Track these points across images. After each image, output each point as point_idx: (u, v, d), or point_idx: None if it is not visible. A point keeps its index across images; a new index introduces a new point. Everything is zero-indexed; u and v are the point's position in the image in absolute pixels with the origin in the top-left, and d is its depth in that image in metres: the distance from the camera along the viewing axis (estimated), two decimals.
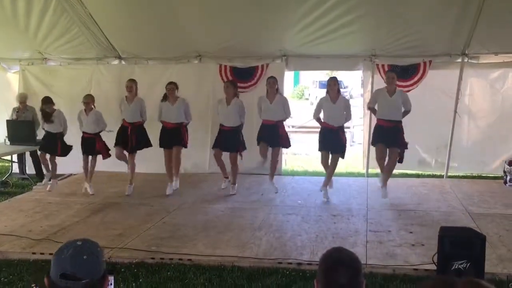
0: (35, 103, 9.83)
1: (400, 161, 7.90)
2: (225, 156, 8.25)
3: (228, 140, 8.08)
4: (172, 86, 8.18)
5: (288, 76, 11.18)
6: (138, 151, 8.41)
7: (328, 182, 8.01)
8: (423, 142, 9.21)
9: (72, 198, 8.24)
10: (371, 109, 8.17)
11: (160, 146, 8.35)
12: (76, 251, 1.96)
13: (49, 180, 8.63)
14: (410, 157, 8.53)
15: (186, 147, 8.40)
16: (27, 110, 9.68)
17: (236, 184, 8.37)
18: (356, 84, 34.68)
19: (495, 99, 9.15)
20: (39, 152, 8.81)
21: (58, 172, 8.75)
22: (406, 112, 7.86)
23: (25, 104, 9.71)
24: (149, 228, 6.68)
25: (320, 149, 7.99)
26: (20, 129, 9.42)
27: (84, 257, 1.95)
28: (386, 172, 7.97)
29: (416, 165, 9.38)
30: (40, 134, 9.21)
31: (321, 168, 8.34)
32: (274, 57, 9.59)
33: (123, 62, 10.21)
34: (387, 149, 7.86)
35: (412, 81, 9.03)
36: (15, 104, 10.28)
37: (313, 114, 8.09)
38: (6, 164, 10.57)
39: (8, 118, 9.66)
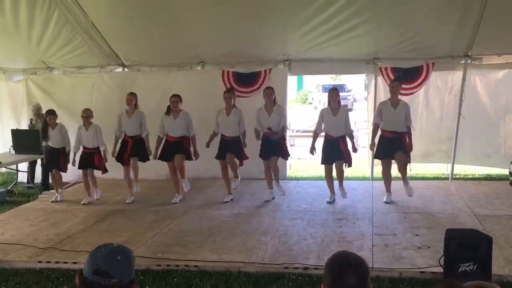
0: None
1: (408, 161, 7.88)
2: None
3: (229, 148, 8.07)
4: (176, 99, 8.09)
5: (291, 80, 11.18)
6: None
7: (341, 183, 8.03)
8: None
9: (78, 206, 8.26)
10: (376, 125, 7.99)
11: (160, 159, 8.25)
12: (112, 250, 2.08)
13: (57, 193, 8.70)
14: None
15: (190, 158, 8.30)
16: (42, 120, 9.69)
17: (239, 177, 8.37)
18: (359, 88, 34.72)
19: (499, 99, 9.11)
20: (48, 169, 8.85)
21: (63, 180, 8.79)
22: (407, 127, 7.73)
23: (39, 115, 9.73)
24: (155, 235, 6.68)
25: (322, 162, 8.01)
26: (25, 138, 9.46)
27: (118, 257, 2.06)
28: (401, 173, 7.94)
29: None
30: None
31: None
32: (277, 62, 9.60)
33: (126, 70, 10.24)
34: (393, 158, 7.90)
35: (416, 83, 9.02)
36: (20, 113, 10.34)
37: (316, 128, 8.10)
38: (12, 173, 10.57)
39: (13, 128, 9.69)
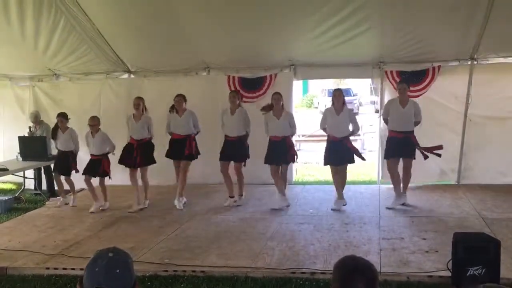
0: (46, 119, 9.93)
1: (426, 157, 7.85)
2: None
3: (233, 150, 8.10)
4: (180, 99, 8.23)
5: (297, 85, 11.18)
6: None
7: (340, 195, 7.98)
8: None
9: (85, 213, 8.27)
10: (385, 120, 8.16)
11: (167, 156, 8.39)
12: (109, 264, 2.01)
13: (72, 197, 8.69)
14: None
15: (195, 158, 8.41)
16: (40, 127, 9.76)
17: (243, 195, 8.39)
18: (365, 92, 34.72)
19: (508, 104, 8.99)
20: (54, 173, 8.87)
21: (68, 187, 8.81)
22: (416, 123, 7.86)
23: (37, 122, 9.80)
24: (162, 240, 6.68)
25: (325, 163, 8.03)
26: (32, 145, 9.49)
27: (117, 270, 2.01)
28: (404, 183, 7.97)
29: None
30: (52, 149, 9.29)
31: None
32: (283, 67, 9.60)
33: (132, 76, 10.27)
34: (399, 160, 7.90)
35: (422, 85, 8.96)
36: (25, 119, 10.38)
37: (320, 124, 8.18)
38: (19, 180, 10.59)
39: (20, 135, 9.72)
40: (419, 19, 8.01)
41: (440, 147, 7.87)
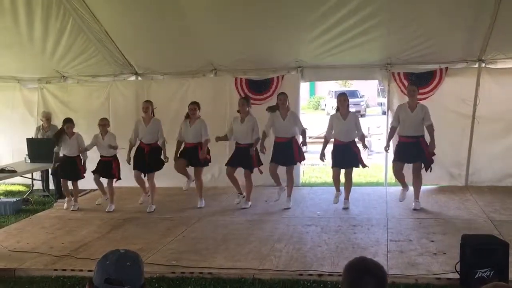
0: (54, 121, 9.96)
1: (427, 169, 7.79)
2: (239, 172, 8.26)
3: (244, 157, 8.08)
4: (194, 106, 8.23)
5: (304, 87, 11.17)
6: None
7: (347, 196, 8.02)
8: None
9: (93, 214, 8.31)
10: (394, 128, 7.98)
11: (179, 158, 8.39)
12: (120, 258, 2.07)
13: (73, 203, 8.69)
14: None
15: (207, 165, 8.44)
16: (51, 129, 9.80)
17: (250, 201, 8.35)
18: (372, 93, 34.68)
19: None
20: (61, 179, 8.88)
21: (79, 187, 8.84)
22: (429, 128, 7.66)
23: (49, 122, 9.84)
24: (169, 242, 6.70)
25: (333, 166, 8.05)
26: (40, 147, 9.53)
27: (128, 264, 2.06)
28: (415, 188, 7.91)
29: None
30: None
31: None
32: (289, 69, 9.61)
33: (139, 78, 10.31)
34: (406, 164, 7.88)
35: (429, 88, 8.93)
36: (34, 121, 10.42)
37: (326, 134, 8.17)
38: (27, 182, 10.65)
39: (28, 137, 9.77)
40: (425, 19, 8.00)
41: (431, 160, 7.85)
